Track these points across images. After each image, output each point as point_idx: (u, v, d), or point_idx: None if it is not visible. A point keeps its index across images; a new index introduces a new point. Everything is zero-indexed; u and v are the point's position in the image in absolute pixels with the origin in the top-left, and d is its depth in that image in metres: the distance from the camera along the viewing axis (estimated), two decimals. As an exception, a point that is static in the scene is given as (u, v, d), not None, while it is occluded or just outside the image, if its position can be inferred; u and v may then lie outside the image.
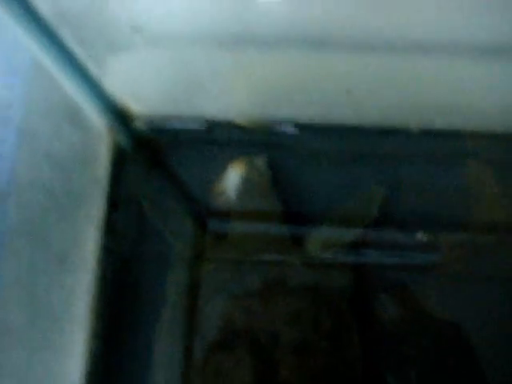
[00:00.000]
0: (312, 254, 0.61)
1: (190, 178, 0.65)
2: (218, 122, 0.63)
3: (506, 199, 0.63)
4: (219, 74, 0.56)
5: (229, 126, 0.63)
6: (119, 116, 0.61)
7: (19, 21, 0.44)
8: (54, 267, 0.51)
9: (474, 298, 0.60)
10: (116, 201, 0.62)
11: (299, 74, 0.55)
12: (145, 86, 0.59)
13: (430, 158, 0.64)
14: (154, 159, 0.65)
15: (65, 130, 0.53)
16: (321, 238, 0.62)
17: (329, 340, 0.58)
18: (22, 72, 0.48)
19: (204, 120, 0.63)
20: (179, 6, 0.47)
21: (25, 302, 0.47)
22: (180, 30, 0.50)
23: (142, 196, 0.64)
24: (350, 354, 0.58)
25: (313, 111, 0.61)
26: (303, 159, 0.65)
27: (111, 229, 0.61)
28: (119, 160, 0.63)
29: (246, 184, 0.63)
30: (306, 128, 0.63)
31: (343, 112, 0.60)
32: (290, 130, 0.64)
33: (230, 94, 0.59)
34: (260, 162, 0.64)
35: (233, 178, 0.63)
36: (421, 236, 0.62)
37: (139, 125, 0.64)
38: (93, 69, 0.53)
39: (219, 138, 0.64)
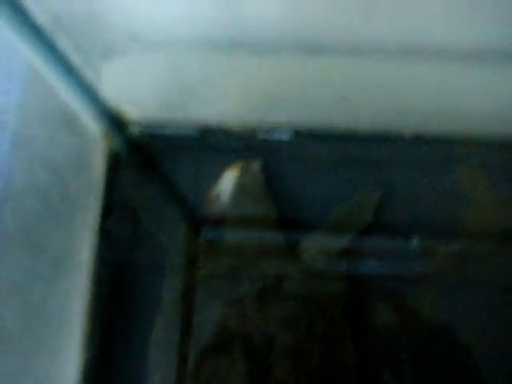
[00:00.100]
0: (307, 261, 0.62)
1: (185, 184, 0.65)
2: (213, 128, 0.63)
3: (499, 205, 0.63)
4: (214, 80, 0.57)
5: (223, 132, 0.63)
6: (114, 122, 0.61)
7: (15, 27, 0.44)
8: (49, 272, 0.51)
9: (468, 306, 0.60)
10: (111, 206, 0.62)
11: (294, 79, 0.55)
12: (140, 91, 0.59)
13: (423, 164, 0.64)
14: (148, 165, 0.65)
15: (60, 136, 0.53)
16: (315, 246, 0.62)
17: (323, 345, 0.58)
18: (17, 78, 0.47)
19: (199, 126, 0.63)
20: (175, 13, 0.47)
21: (20, 307, 0.47)
22: (175, 36, 0.50)
23: (137, 201, 0.64)
24: (344, 359, 0.59)
25: (308, 117, 0.61)
26: (298, 165, 0.65)
27: (106, 234, 0.61)
28: (114, 166, 0.63)
29: (241, 189, 0.63)
30: (300, 134, 0.63)
31: (338, 118, 0.60)
32: (285, 135, 0.64)
33: (224, 100, 0.59)
34: (255, 166, 0.64)
35: (227, 182, 0.63)
36: (416, 242, 0.62)
37: (134, 130, 0.64)
38: (88, 75, 0.53)
39: (214, 144, 0.64)
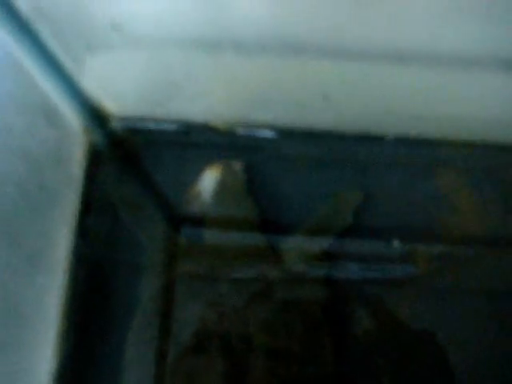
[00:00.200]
0: (287, 263, 0.61)
1: (166, 181, 0.65)
2: (195, 125, 0.63)
3: (481, 210, 0.63)
4: (198, 77, 0.56)
5: (206, 129, 0.63)
6: (95, 116, 0.60)
7: (-4, 15, 0.43)
8: (24, 266, 0.50)
9: (449, 311, 0.60)
10: (90, 202, 0.61)
11: (278, 78, 0.55)
12: (122, 86, 0.58)
13: (405, 167, 0.64)
14: (129, 160, 0.65)
15: (40, 128, 0.52)
16: (296, 248, 0.62)
17: (301, 347, 0.58)
18: (-4, 66, 0.47)
19: (181, 122, 0.63)
20: (160, 8, 0.47)
21: (-6, 301, 0.46)
22: (159, 32, 0.50)
23: (116, 198, 0.64)
24: (323, 363, 0.58)
25: (291, 116, 0.61)
26: (280, 164, 0.64)
27: (84, 231, 0.60)
28: (94, 160, 0.62)
29: (221, 188, 0.63)
30: (283, 133, 0.63)
31: (321, 117, 0.60)
32: (268, 134, 0.64)
33: (208, 97, 0.59)
34: (236, 166, 0.63)
35: (208, 181, 0.63)
36: (396, 244, 0.62)
37: (115, 125, 0.63)
38: (70, 67, 0.53)
39: (196, 141, 0.64)
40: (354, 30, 0.48)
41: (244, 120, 0.62)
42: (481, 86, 0.54)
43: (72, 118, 0.58)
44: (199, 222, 0.63)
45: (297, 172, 0.64)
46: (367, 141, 0.63)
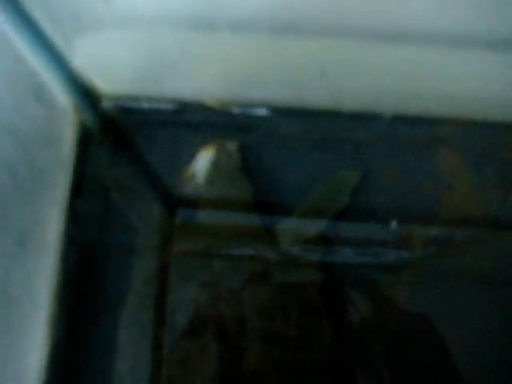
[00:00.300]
0: (283, 245, 0.61)
1: (159, 162, 0.64)
2: (189, 104, 0.62)
3: (480, 190, 0.63)
4: (191, 55, 0.55)
5: (200, 108, 0.62)
6: (86, 94, 0.59)
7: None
8: (13, 248, 0.49)
9: (447, 295, 0.60)
10: (81, 184, 0.60)
11: (273, 56, 0.54)
12: (114, 64, 0.57)
13: (403, 146, 0.63)
14: (121, 141, 0.64)
15: (28, 106, 0.51)
16: (291, 229, 0.61)
17: (298, 331, 0.58)
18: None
19: (175, 101, 0.62)
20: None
21: (-19, 283, 0.45)
22: (152, 10, 0.49)
23: (109, 180, 0.63)
24: (319, 344, 0.58)
25: (287, 94, 0.60)
26: (276, 144, 0.64)
27: (75, 213, 0.59)
28: (85, 141, 0.61)
29: (215, 168, 0.62)
30: (279, 111, 0.62)
31: (318, 95, 0.59)
32: (264, 112, 0.63)
33: (202, 76, 0.58)
34: (231, 146, 0.63)
35: (202, 162, 0.62)
36: (394, 225, 0.61)
37: (107, 104, 0.62)
38: (60, 44, 0.52)
39: (190, 121, 0.63)
40: (351, 8, 0.47)
41: (239, 99, 0.61)
42: (480, 65, 0.54)
43: (62, 97, 0.56)
44: (194, 203, 0.62)
45: (293, 152, 0.64)
46: (365, 119, 0.62)
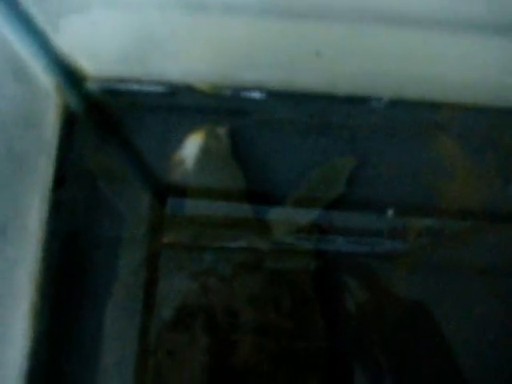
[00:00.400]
0: (275, 234, 0.60)
1: (148, 147, 0.62)
2: (179, 87, 0.60)
3: (479, 180, 0.62)
4: (180, 35, 0.54)
5: (190, 91, 0.60)
6: (69, 75, 0.57)
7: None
8: None
9: (444, 285, 0.59)
10: (64, 170, 0.59)
11: (265, 35, 0.52)
12: (100, 44, 0.55)
13: (401, 132, 0.62)
14: (107, 125, 0.62)
15: (6, 85, 0.49)
16: (284, 218, 0.60)
17: (291, 322, 0.57)
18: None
19: (163, 83, 0.61)
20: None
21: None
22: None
23: (94, 166, 0.61)
24: (314, 339, 0.57)
25: (280, 76, 0.58)
26: (268, 129, 0.62)
27: (58, 201, 0.58)
28: (69, 125, 0.59)
29: (205, 154, 0.61)
30: (272, 94, 0.61)
31: (312, 78, 0.58)
32: (256, 96, 0.61)
33: (191, 57, 0.57)
34: (221, 130, 0.61)
35: (191, 147, 0.61)
36: (390, 214, 0.60)
37: (92, 86, 0.60)
38: (42, 21, 0.50)
39: (179, 104, 0.62)
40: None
41: (231, 81, 0.60)
42: (479, 49, 0.53)
43: (44, 77, 0.55)
44: (183, 191, 0.61)
45: (286, 137, 0.62)
46: (361, 104, 0.61)
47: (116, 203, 0.61)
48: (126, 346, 0.57)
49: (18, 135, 0.51)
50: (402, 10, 0.48)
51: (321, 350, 0.57)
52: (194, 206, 0.61)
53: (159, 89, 0.61)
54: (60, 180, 0.58)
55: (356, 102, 0.60)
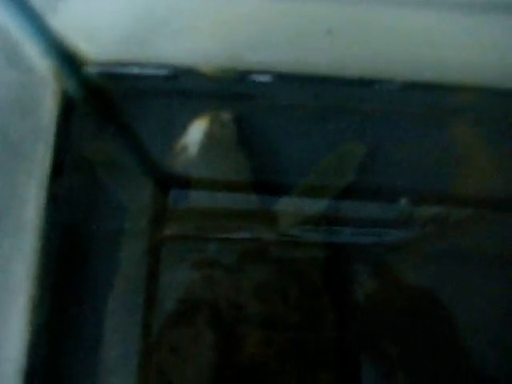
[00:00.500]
0: (282, 224, 0.59)
1: (150, 135, 0.62)
2: (182, 70, 0.59)
3: (495, 166, 0.60)
4: (183, 15, 0.52)
5: (194, 74, 0.59)
6: (68, 59, 0.56)
7: None
8: None
9: (456, 274, 0.59)
10: (63, 159, 0.58)
11: (274, 14, 0.51)
12: (98, 25, 0.54)
13: (414, 116, 0.61)
14: (107, 111, 0.62)
15: (1, 71, 0.48)
16: (292, 210, 0.60)
17: (300, 315, 0.56)
18: None
19: (166, 67, 0.59)
20: None
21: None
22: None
23: (94, 154, 0.60)
24: (324, 332, 0.56)
25: (288, 58, 0.57)
26: (275, 113, 0.61)
27: (56, 191, 0.57)
28: (67, 111, 0.58)
29: (209, 141, 0.60)
30: (280, 77, 0.59)
31: (322, 59, 0.56)
32: (263, 79, 0.60)
33: (195, 38, 0.55)
34: (226, 116, 0.61)
35: (194, 134, 0.60)
36: (404, 203, 0.59)
37: (91, 70, 0.59)
38: (38, 3, 0.49)
39: (183, 88, 0.60)
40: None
41: (237, 64, 0.58)
42: (498, 31, 0.51)
43: (40, 62, 0.53)
44: (187, 181, 0.60)
45: (294, 123, 0.62)
46: (373, 87, 0.59)
47: (116, 193, 0.61)
48: (128, 341, 0.57)
49: (13, 122, 0.50)
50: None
51: (331, 342, 0.56)
52: (197, 196, 0.60)
53: (161, 72, 0.60)
54: (58, 169, 0.57)
55: (367, 85, 0.59)
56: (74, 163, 0.59)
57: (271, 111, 0.61)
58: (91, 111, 0.61)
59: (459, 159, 0.60)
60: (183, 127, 0.60)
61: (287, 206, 0.60)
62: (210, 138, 0.60)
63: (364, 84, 0.59)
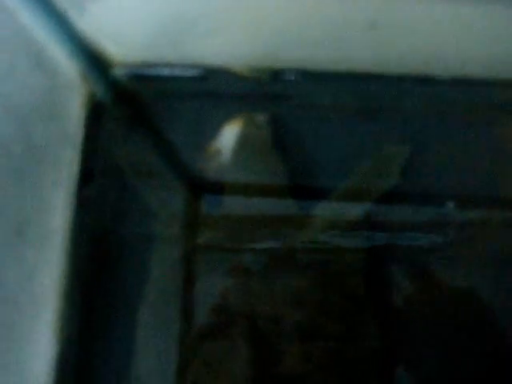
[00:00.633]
0: (319, 234, 0.59)
1: (181, 139, 0.61)
2: (214, 70, 0.58)
3: None
4: (215, 12, 0.51)
5: (226, 75, 0.58)
6: (95, 61, 0.55)
7: None
8: (9, 238, 0.45)
9: (495, 279, 0.58)
10: (91, 165, 0.57)
11: (311, 7, 0.48)
12: (126, 25, 0.53)
13: (460, 115, 0.59)
14: (137, 114, 0.61)
15: (25, 73, 0.46)
16: (331, 215, 0.59)
17: (340, 325, 0.56)
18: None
19: (197, 67, 0.58)
20: None
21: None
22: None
23: (123, 159, 0.60)
24: (366, 342, 0.55)
25: (326, 55, 0.55)
26: (312, 114, 0.60)
27: (85, 198, 0.55)
28: (96, 115, 0.57)
29: (243, 144, 0.60)
30: (316, 76, 0.58)
31: (363, 55, 0.54)
32: (298, 78, 0.58)
33: (226, 37, 0.53)
34: (260, 118, 0.60)
35: (227, 137, 0.60)
36: (451, 207, 0.58)
37: (119, 72, 0.58)
38: (64, 4, 0.47)
39: (215, 89, 0.59)
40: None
41: (271, 63, 0.57)
42: None
43: (67, 65, 0.52)
44: (220, 186, 0.60)
45: (332, 124, 0.61)
46: (416, 85, 0.57)
47: (147, 199, 0.60)
48: (161, 355, 0.56)
49: (39, 128, 0.49)
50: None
51: (374, 352, 0.55)
52: (230, 203, 0.60)
53: (192, 73, 0.58)
54: (87, 175, 0.56)
55: (410, 83, 0.57)
56: (103, 169, 0.58)
57: (308, 112, 0.60)
58: (120, 114, 0.60)
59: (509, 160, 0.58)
60: (215, 130, 0.60)
61: (326, 210, 0.59)
62: (243, 141, 0.60)
63: (407, 81, 0.57)
